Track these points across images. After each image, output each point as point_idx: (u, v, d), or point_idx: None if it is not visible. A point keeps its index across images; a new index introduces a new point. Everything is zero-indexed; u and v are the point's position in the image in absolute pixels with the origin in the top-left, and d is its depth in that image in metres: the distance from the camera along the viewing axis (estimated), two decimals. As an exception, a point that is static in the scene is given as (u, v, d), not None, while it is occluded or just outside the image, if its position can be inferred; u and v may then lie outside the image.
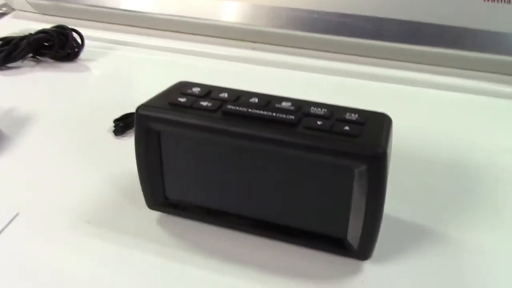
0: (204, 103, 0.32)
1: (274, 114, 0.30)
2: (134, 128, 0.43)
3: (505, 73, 0.61)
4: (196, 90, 0.34)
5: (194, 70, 0.64)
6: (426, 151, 0.46)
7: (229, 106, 0.31)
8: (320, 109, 0.32)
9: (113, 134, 0.48)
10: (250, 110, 0.31)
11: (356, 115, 0.31)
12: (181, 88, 0.34)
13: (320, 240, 0.33)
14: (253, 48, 0.67)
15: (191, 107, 0.32)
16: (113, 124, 0.48)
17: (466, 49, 0.61)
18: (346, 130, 0.29)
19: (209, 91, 0.34)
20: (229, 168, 0.32)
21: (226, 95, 0.33)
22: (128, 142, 0.47)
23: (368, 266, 0.33)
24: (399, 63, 0.64)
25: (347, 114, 0.31)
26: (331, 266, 0.33)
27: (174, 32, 0.73)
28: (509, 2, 0.58)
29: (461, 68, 0.62)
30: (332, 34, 0.66)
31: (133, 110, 0.49)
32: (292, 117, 0.30)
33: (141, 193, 0.36)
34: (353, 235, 0.31)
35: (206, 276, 0.32)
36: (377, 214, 0.30)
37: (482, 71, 0.62)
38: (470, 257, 0.34)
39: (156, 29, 0.73)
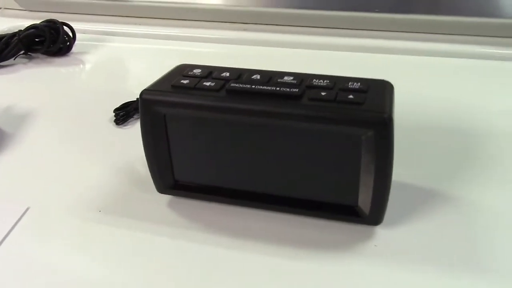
0: (207, 83, 0.32)
1: (277, 88, 0.31)
2: (139, 114, 0.44)
3: (498, 35, 0.61)
4: (197, 71, 0.34)
5: (188, 56, 0.64)
6: (426, 117, 0.47)
7: (232, 84, 0.31)
8: (322, 81, 0.32)
9: (114, 123, 0.48)
10: (253, 86, 0.31)
11: (358, 84, 0.31)
12: (182, 70, 0.34)
13: (331, 209, 0.33)
14: (244, 29, 0.67)
15: (195, 88, 0.32)
16: (114, 114, 0.48)
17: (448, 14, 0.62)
18: (350, 98, 0.30)
19: (210, 72, 0.34)
20: (236, 145, 0.33)
21: (228, 74, 0.33)
22: (130, 131, 0.47)
23: (380, 231, 0.33)
24: (391, 33, 0.64)
25: (349, 83, 0.32)
26: (343, 234, 0.33)
27: (164, 19, 0.72)
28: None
29: (451, 34, 0.62)
30: (323, 9, 0.66)
31: (130, 98, 0.50)
32: (296, 90, 0.30)
33: (149, 178, 0.37)
34: (364, 201, 0.32)
35: (221, 254, 0.33)
36: (386, 178, 0.30)
37: (473, 35, 0.62)
38: (480, 215, 0.35)
39: (146, 17, 0.73)
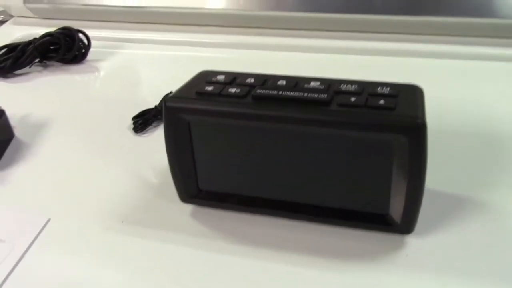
0: (232, 90, 0.31)
1: (305, 94, 0.30)
2: (158, 121, 0.43)
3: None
4: (220, 78, 0.33)
5: (205, 62, 0.64)
6: (454, 121, 0.46)
7: (258, 90, 0.31)
8: (350, 86, 0.31)
9: (132, 131, 0.47)
10: (280, 92, 0.30)
11: (388, 89, 0.31)
12: (205, 77, 0.34)
13: (360, 218, 0.32)
14: (260, 34, 0.67)
15: (220, 95, 0.31)
16: (132, 122, 0.48)
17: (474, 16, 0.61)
18: (381, 104, 0.29)
19: (234, 78, 0.33)
20: (263, 153, 0.32)
21: (252, 80, 0.33)
22: (149, 139, 0.46)
23: (411, 240, 0.32)
24: (405, 36, 0.63)
25: (379, 88, 0.31)
26: (374, 243, 0.33)
27: (179, 25, 0.72)
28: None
29: (472, 36, 0.61)
30: (335, 12, 0.65)
31: (147, 106, 0.50)
32: (324, 95, 0.30)
33: (170, 187, 0.36)
34: (395, 209, 0.31)
35: (247, 264, 0.32)
36: (419, 186, 0.29)
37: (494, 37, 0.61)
38: (509, 220, 0.34)
39: (161, 23, 0.72)
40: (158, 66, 0.64)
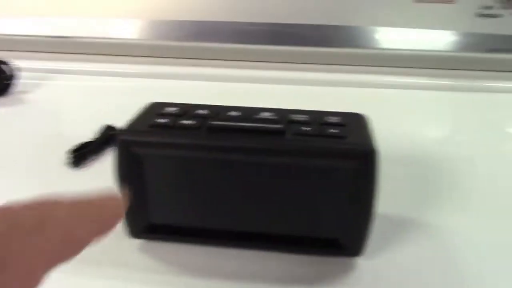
0: (186, 122, 0.31)
1: (260, 124, 0.31)
2: (96, 155, 0.41)
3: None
4: (171, 109, 0.33)
5: (136, 91, 0.63)
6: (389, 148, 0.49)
7: (212, 122, 0.31)
8: (301, 116, 0.32)
9: (69, 166, 0.45)
10: (235, 123, 0.31)
11: (336, 118, 0.32)
12: (155, 109, 0.33)
13: (314, 243, 0.33)
14: (194, 65, 0.67)
15: (174, 127, 0.31)
16: (68, 157, 0.46)
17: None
18: (333, 132, 0.30)
19: (186, 110, 0.33)
20: (219, 184, 0.32)
21: (204, 111, 0.33)
22: (88, 173, 0.45)
23: (361, 262, 0.34)
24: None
25: (327, 117, 0.32)
26: (325, 268, 0.33)
27: (108, 55, 0.70)
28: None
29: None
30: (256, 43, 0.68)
31: (81, 139, 0.47)
32: (279, 125, 0.31)
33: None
34: (347, 233, 0.32)
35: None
36: (370, 210, 0.31)
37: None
38: (450, 239, 0.36)
39: (90, 53, 0.70)
40: (87, 97, 0.62)
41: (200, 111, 0.33)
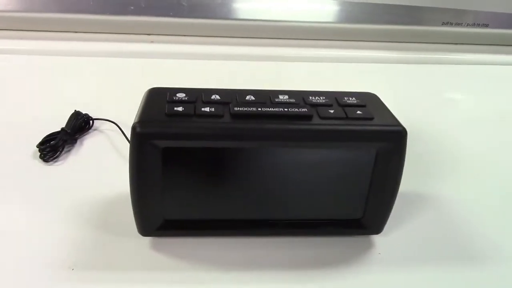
0: (206, 109, 0.29)
1: (285, 109, 0.29)
2: (69, 147, 0.38)
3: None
4: (181, 95, 0.31)
5: (93, 71, 0.58)
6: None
7: (236, 108, 0.29)
8: (320, 98, 0.31)
9: (41, 161, 0.41)
10: (259, 109, 0.29)
11: (353, 98, 0.32)
12: (161, 95, 0.31)
13: (335, 225, 0.33)
14: (151, 41, 0.63)
15: (194, 115, 0.29)
16: (37, 149, 0.41)
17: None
18: (359, 114, 0.30)
19: (196, 95, 0.31)
20: (245, 172, 0.30)
21: (217, 96, 0.31)
22: (63, 167, 0.40)
23: (379, 239, 0.34)
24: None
25: (345, 98, 0.32)
26: (346, 247, 0.34)
27: (56, 32, 0.64)
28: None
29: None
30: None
31: (46, 128, 0.42)
32: (304, 109, 0.30)
33: (118, 221, 0.33)
34: (369, 213, 0.32)
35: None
36: (396, 189, 0.31)
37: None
38: (455, 208, 0.38)
39: (29, 30, 0.63)
40: (30, 77, 0.56)
41: (213, 97, 0.31)
